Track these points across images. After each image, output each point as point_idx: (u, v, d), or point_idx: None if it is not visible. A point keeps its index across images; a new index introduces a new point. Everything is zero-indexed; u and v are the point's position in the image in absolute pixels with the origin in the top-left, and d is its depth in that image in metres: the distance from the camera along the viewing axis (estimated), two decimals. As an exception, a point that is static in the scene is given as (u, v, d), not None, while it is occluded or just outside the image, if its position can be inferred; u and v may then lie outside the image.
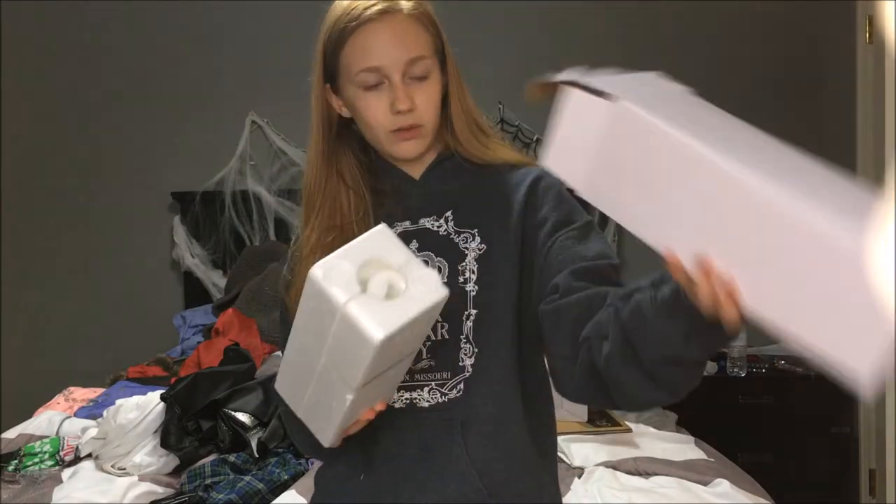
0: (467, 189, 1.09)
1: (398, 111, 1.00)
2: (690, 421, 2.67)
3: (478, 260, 1.04)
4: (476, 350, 1.03)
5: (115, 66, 3.52)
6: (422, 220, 1.08)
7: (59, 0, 3.49)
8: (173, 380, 2.30)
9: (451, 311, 1.00)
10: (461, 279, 1.04)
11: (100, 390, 2.66)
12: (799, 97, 3.35)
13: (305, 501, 1.71)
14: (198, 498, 1.80)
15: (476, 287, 1.03)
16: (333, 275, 0.82)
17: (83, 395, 2.63)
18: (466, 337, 1.03)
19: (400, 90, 1.00)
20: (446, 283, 1.00)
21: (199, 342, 2.96)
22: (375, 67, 1.00)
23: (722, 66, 3.38)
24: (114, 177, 3.54)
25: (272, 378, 1.14)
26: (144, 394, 2.19)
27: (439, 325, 1.02)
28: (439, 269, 1.04)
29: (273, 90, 3.50)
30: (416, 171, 1.10)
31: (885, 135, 2.29)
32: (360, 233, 0.98)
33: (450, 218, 1.07)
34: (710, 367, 3.03)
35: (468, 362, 1.03)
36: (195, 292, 3.46)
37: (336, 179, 1.08)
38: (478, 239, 1.05)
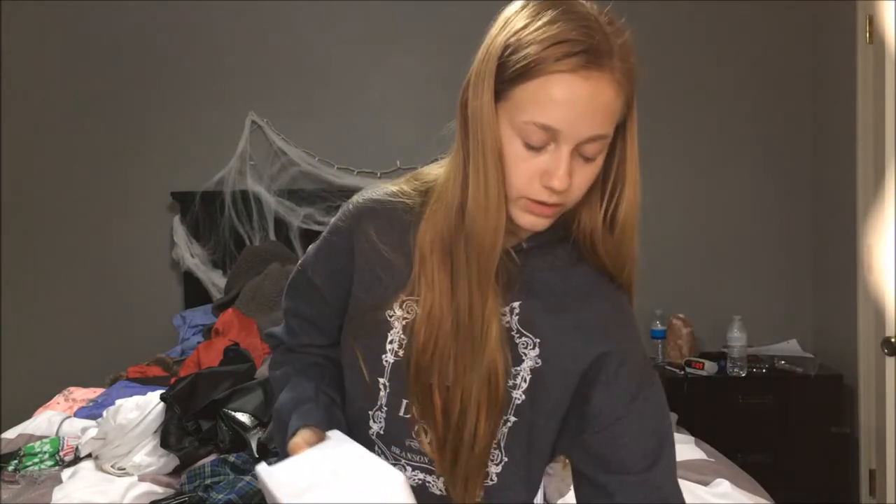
0: (548, 282, 0.95)
1: (550, 187, 0.83)
2: (690, 421, 2.68)
3: (532, 371, 0.94)
4: (505, 459, 0.95)
5: (114, 66, 3.52)
6: None
7: (60, 0, 3.49)
8: (173, 380, 2.30)
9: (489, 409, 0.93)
10: (511, 382, 0.93)
11: (100, 390, 2.66)
12: (799, 97, 3.35)
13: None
14: (197, 498, 1.80)
15: (523, 396, 0.94)
16: None
17: (83, 395, 2.63)
18: (498, 443, 0.94)
19: (563, 167, 0.82)
20: None
21: (199, 342, 2.96)
22: (552, 129, 0.81)
23: (722, 65, 3.38)
24: (114, 177, 3.54)
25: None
26: (144, 394, 2.19)
27: None
28: None
29: (273, 90, 3.50)
30: (507, 239, 0.91)
31: (885, 135, 2.29)
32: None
33: (516, 311, 0.94)
34: (710, 367, 3.03)
35: (493, 469, 0.95)
36: (195, 292, 3.46)
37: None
38: (537, 350, 0.93)
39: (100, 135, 3.54)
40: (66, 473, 2.01)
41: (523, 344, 0.94)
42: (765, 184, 3.40)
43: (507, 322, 0.93)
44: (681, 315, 3.24)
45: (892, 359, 2.16)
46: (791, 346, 3.32)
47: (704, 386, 3.02)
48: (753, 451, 2.89)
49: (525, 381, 0.94)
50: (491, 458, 0.94)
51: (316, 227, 3.35)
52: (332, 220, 1.03)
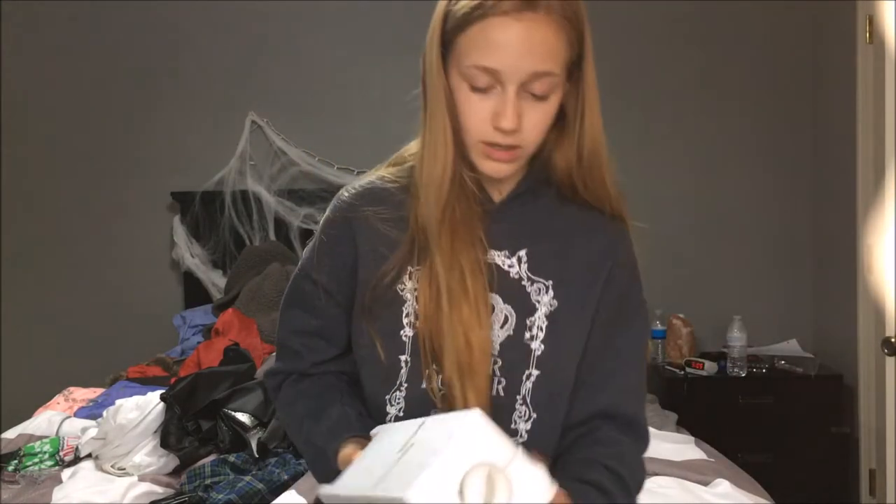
0: (547, 226, 0.97)
1: (499, 127, 0.86)
2: (690, 421, 2.68)
3: (548, 317, 0.94)
4: (534, 415, 0.94)
5: (114, 66, 3.52)
6: (492, 253, 0.94)
7: (60, 0, 3.49)
8: (173, 380, 2.30)
9: (511, 367, 0.94)
10: (527, 335, 0.94)
11: (100, 390, 2.67)
12: (799, 97, 3.35)
13: (305, 501, 1.71)
14: (198, 498, 1.80)
15: (542, 346, 0.94)
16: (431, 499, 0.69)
17: (83, 395, 2.63)
18: (524, 398, 0.94)
19: (510, 106, 0.85)
20: (510, 336, 0.94)
21: (199, 342, 2.96)
22: (491, 70, 0.85)
23: (722, 66, 3.38)
24: (114, 177, 3.54)
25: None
26: (144, 394, 2.19)
27: (496, 380, 0.93)
28: (506, 319, 0.94)
29: (273, 90, 3.50)
30: (495, 190, 0.97)
31: (886, 135, 2.28)
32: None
33: (523, 259, 0.95)
34: (710, 367, 3.03)
35: (523, 427, 0.94)
36: (195, 292, 3.46)
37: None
38: (551, 293, 0.95)
39: (100, 135, 3.54)
40: (66, 473, 2.02)
41: (535, 291, 0.95)
42: (765, 184, 3.39)
43: (517, 272, 0.95)
44: (681, 315, 3.24)
45: (892, 359, 2.16)
46: (791, 346, 3.32)
47: (704, 386, 3.02)
48: (753, 451, 2.89)
49: (542, 330, 0.94)
50: (519, 414, 0.94)
51: (316, 227, 3.35)
52: (323, 218, 1.04)
